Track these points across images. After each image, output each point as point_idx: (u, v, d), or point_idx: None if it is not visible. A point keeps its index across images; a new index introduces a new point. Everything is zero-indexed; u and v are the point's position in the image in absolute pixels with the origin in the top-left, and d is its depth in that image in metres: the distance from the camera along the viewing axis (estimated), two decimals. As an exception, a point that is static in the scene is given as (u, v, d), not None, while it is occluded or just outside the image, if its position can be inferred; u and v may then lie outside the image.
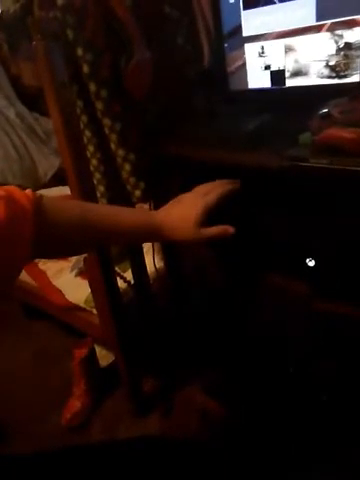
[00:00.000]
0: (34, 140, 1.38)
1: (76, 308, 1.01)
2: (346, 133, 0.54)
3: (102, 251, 0.80)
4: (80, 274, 1.07)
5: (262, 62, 0.72)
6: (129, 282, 0.94)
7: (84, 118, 0.75)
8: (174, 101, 0.79)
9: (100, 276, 0.82)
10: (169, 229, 0.54)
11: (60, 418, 1.05)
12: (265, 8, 0.67)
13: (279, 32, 0.67)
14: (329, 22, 0.62)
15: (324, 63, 0.65)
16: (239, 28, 0.71)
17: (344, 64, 0.64)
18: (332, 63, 0.65)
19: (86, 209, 0.52)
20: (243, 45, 0.72)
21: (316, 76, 0.67)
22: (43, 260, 1.13)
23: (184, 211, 0.54)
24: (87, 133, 0.77)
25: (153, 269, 0.98)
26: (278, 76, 0.71)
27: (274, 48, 0.69)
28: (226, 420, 0.92)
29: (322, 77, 0.67)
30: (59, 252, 0.53)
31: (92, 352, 1.10)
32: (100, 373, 1.13)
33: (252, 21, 0.69)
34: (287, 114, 0.67)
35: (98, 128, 0.75)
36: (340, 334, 0.76)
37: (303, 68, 0.68)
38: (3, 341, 1.35)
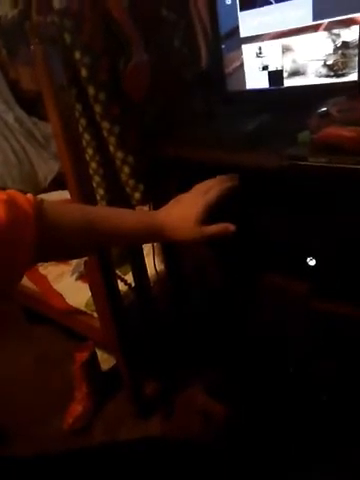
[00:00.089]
0: (33, 144, 1.38)
1: (77, 312, 1.00)
2: (345, 131, 0.54)
3: (102, 254, 0.80)
4: (80, 278, 1.06)
5: (260, 63, 0.72)
6: (130, 285, 0.94)
7: (83, 121, 0.75)
8: (172, 103, 0.79)
9: (100, 279, 0.82)
10: (170, 229, 0.54)
11: (61, 422, 1.05)
12: (262, 9, 0.67)
13: (276, 32, 0.67)
14: (326, 21, 0.62)
15: (322, 62, 0.66)
16: (236, 29, 0.71)
17: (342, 63, 0.64)
18: (330, 62, 0.65)
19: (86, 212, 0.52)
20: (240, 46, 0.73)
21: (314, 75, 0.67)
22: (44, 264, 1.13)
23: (185, 210, 0.54)
24: (86, 136, 0.77)
25: (154, 272, 0.98)
26: (276, 76, 0.71)
27: (271, 48, 0.69)
28: (228, 421, 0.91)
29: (320, 76, 0.67)
30: (61, 255, 0.53)
31: (93, 356, 1.10)
32: (101, 377, 1.12)
33: (249, 22, 0.70)
34: (285, 114, 0.67)
35: (97, 131, 0.75)
36: (340, 334, 0.76)
37: (301, 68, 0.68)
38: (4, 345, 1.35)
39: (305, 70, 0.68)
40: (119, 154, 0.76)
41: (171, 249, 0.99)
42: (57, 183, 1.34)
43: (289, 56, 0.68)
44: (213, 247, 0.87)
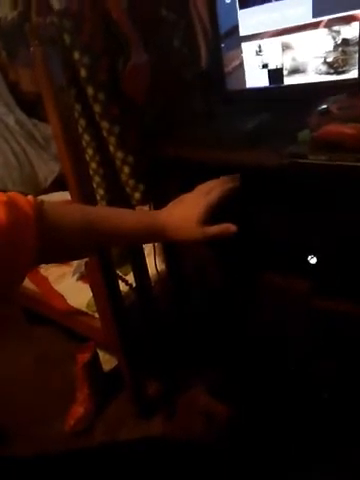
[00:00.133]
0: (34, 146, 1.38)
1: (78, 312, 1.00)
2: (346, 129, 0.54)
3: (103, 255, 0.80)
4: (81, 278, 1.06)
5: (259, 61, 0.72)
6: (131, 285, 0.94)
7: (82, 122, 0.75)
8: (172, 103, 0.79)
9: (101, 280, 0.81)
10: (172, 229, 0.54)
11: (62, 423, 1.04)
12: (261, 7, 0.67)
13: (276, 30, 0.67)
14: (326, 18, 0.62)
15: (322, 60, 0.65)
16: (236, 28, 0.71)
17: (342, 60, 0.63)
18: (330, 59, 0.65)
19: (87, 212, 0.53)
20: (240, 44, 0.72)
21: (314, 73, 0.67)
22: (45, 265, 1.13)
23: (187, 211, 0.54)
24: (86, 137, 0.77)
25: (154, 272, 0.97)
26: (276, 74, 0.71)
27: (271, 46, 0.69)
28: (230, 421, 0.91)
29: (320, 74, 0.66)
30: (61, 256, 0.53)
31: (95, 356, 1.10)
32: (103, 377, 1.12)
33: (249, 20, 0.69)
34: (286, 112, 0.67)
35: (97, 131, 0.75)
36: (341, 333, 0.76)
37: (301, 66, 0.68)
38: (5, 346, 1.35)
39: (305, 68, 0.68)
40: (119, 154, 0.75)
41: (172, 249, 0.99)
42: (57, 184, 1.34)
43: (289, 54, 0.68)
44: (213, 247, 0.87)
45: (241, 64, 0.74)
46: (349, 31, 0.61)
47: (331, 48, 0.64)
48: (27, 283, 1.10)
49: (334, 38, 0.63)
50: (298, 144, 0.59)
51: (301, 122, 0.60)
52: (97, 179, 0.81)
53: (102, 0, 0.68)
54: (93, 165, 0.79)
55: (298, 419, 0.83)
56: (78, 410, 1.05)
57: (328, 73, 0.65)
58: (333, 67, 0.65)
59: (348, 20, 0.60)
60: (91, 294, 0.90)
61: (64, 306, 1.02)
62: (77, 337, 1.11)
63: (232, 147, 0.66)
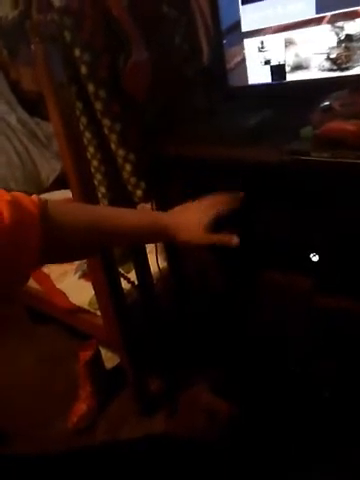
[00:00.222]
0: (36, 144, 1.38)
1: (80, 310, 1.00)
2: (348, 126, 0.53)
3: (105, 253, 0.80)
4: (84, 276, 1.06)
5: (262, 57, 0.71)
6: (133, 283, 0.94)
7: (83, 119, 0.75)
8: (173, 100, 0.78)
9: (104, 278, 0.82)
10: (176, 229, 0.56)
11: (65, 420, 1.05)
12: (264, 2, 0.66)
13: (279, 26, 0.66)
14: (329, 14, 0.61)
15: (325, 56, 0.65)
16: (238, 23, 0.70)
17: (345, 56, 0.63)
18: (333, 56, 0.64)
19: (90, 211, 0.53)
20: (242, 41, 0.72)
21: (317, 69, 0.66)
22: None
23: (193, 215, 0.57)
24: (87, 134, 0.77)
25: (156, 269, 0.97)
26: (278, 71, 0.70)
27: (274, 42, 0.68)
28: (232, 419, 0.91)
29: (323, 70, 0.66)
30: (65, 256, 0.53)
31: (97, 354, 1.10)
32: (105, 375, 1.12)
33: (251, 16, 0.69)
34: (288, 109, 0.66)
35: (98, 129, 0.75)
36: (342, 331, 0.75)
37: (304, 62, 0.67)
38: (8, 345, 1.35)
39: (308, 64, 0.67)
40: (120, 152, 0.75)
41: (173, 247, 0.99)
42: (59, 182, 1.34)
43: (292, 50, 0.67)
44: (214, 246, 0.87)
45: (243, 60, 0.74)
46: (353, 27, 0.60)
47: (334, 44, 0.63)
48: (29, 281, 1.10)
49: (337, 34, 0.62)
50: (300, 141, 0.59)
51: (303, 119, 0.59)
52: (98, 177, 0.81)
53: (103, -3, 0.68)
54: (94, 163, 0.79)
55: (299, 419, 0.83)
56: (81, 407, 1.06)
57: (331, 69, 0.65)
58: (336, 63, 0.64)
59: (352, 16, 0.59)
60: (93, 292, 0.90)
61: (66, 304, 1.02)
62: (79, 335, 1.12)
63: (234, 144, 0.66)
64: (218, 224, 0.56)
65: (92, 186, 0.76)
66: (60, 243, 0.46)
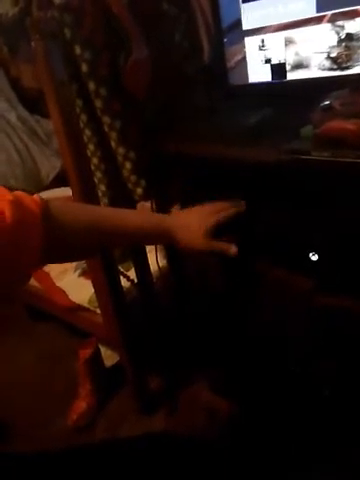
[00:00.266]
0: (36, 142, 1.38)
1: (80, 308, 1.01)
2: (349, 125, 0.53)
3: (105, 251, 0.80)
4: (83, 274, 1.07)
5: (262, 56, 0.71)
6: (132, 281, 0.94)
7: (84, 117, 0.75)
8: (173, 98, 0.78)
9: (103, 276, 0.82)
10: (178, 232, 0.57)
11: (65, 419, 1.05)
12: (264, 0, 0.66)
13: (279, 24, 0.66)
14: (330, 13, 0.61)
15: (325, 55, 0.65)
16: (238, 22, 0.70)
17: (346, 55, 0.63)
18: (333, 55, 0.64)
19: (91, 211, 0.54)
20: (243, 39, 0.72)
21: (317, 68, 0.66)
22: (47, 261, 1.13)
23: (196, 220, 0.57)
24: (87, 132, 0.77)
25: (156, 267, 0.97)
26: (279, 69, 0.70)
27: (274, 41, 0.68)
28: (231, 417, 0.91)
29: (323, 69, 0.66)
30: (67, 256, 0.54)
31: (97, 352, 1.10)
32: (105, 373, 1.12)
33: (251, 14, 0.69)
34: (288, 107, 0.66)
35: (98, 127, 0.75)
36: (342, 330, 0.75)
37: (304, 61, 0.67)
38: (7, 343, 1.36)
39: (308, 63, 0.67)
40: (120, 150, 0.75)
41: (173, 246, 0.99)
42: (59, 180, 1.34)
43: (292, 49, 0.67)
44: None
45: (244, 59, 0.74)
46: (353, 26, 0.60)
47: (335, 43, 0.63)
48: (29, 279, 1.11)
49: (338, 33, 0.62)
50: (301, 140, 0.59)
51: (304, 118, 0.59)
52: (99, 175, 0.81)
53: (103, -6, 0.68)
54: (94, 161, 0.79)
55: (298, 418, 0.83)
56: (80, 405, 1.06)
57: (331, 69, 0.65)
58: (337, 62, 0.64)
59: (352, 15, 0.59)
60: (93, 290, 0.90)
61: (66, 302, 1.02)
62: (79, 333, 1.12)
63: (234, 143, 0.66)
64: (219, 228, 0.57)
65: (92, 184, 0.76)
66: (62, 243, 0.47)
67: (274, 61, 0.70)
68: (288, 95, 0.69)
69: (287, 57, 0.69)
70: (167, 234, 0.57)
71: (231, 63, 0.76)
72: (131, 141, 0.75)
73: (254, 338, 0.90)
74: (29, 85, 1.25)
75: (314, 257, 0.72)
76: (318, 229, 0.69)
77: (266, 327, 0.88)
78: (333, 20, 0.61)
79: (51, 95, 0.66)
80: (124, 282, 0.91)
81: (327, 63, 0.65)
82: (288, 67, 0.69)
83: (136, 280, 0.94)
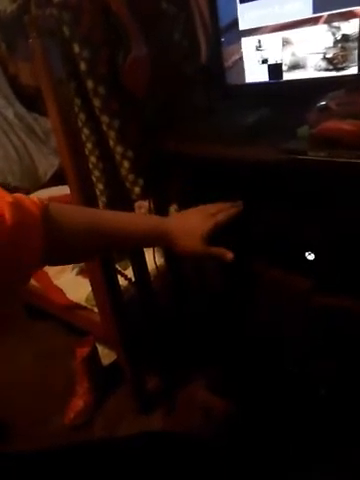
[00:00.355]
0: (33, 140, 1.38)
1: (77, 307, 1.01)
2: (345, 125, 0.54)
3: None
4: (81, 273, 1.07)
5: (259, 56, 0.72)
6: (130, 280, 0.94)
7: (82, 116, 0.75)
8: (172, 97, 0.79)
9: (101, 274, 0.82)
10: (176, 236, 0.57)
11: (62, 417, 1.05)
12: (261, 1, 0.66)
13: (276, 25, 0.67)
14: (326, 14, 0.62)
15: (321, 56, 0.65)
16: (236, 22, 0.71)
17: (341, 56, 0.63)
18: (329, 55, 0.64)
19: (91, 213, 0.54)
20: (240, 39, 0.72)
21: (313, 69, 0.67)
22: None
23: (194, 224, 0.58)
24: (85, 131, 0.77)
25: (153, 266, 0.98)
26: (275, 70, 0.71)
27: (271, 41, 0.69)
28: (229, 417, 0.92)
29: (320, 70, 0.66)
30: (66, 258, 0.54)
31: (94, 350, 1.10)
32: (102, 371, 1.13)
33: (248, 14, 0.69)
34: (285, 107, 0.67)
35: (96, 125, 0.75)
36: (340, 330, 0.76)
37: (300, 61, 0.68)
38: (6, 343, 1.35)
39: (305, 63, 0.67)
40: (119, 148, 0.75)
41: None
42: (57, 178, 1.34)
43: (289, 49, 0.68)
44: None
45: (241, 59, 0.74)
46: (349, 27, 0.61)
47: (331, 44, 0.63)
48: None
49: (334, 34, 0.62)
50: (297, 140, 0.59)
51: (300, 118, 0.60)
52: (96, 173, 0.81)
53: (102, -8, 0.68)
54: (92, 159, 0.79)
55: (297, 418, 0.83)
56: (78, 403, 1.06)
57: (327, 69, 0.65)
58: (333, 63, 0.64)
59: (348, 16, 0.60)
60: (90, 288, 0.90)
61: (63, 300, 1.02)
62: (76, 331, 1.12)
63: (232, 142, 0.66)
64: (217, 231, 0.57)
65: (90, 183, 0.76)
66: (62, 244, 0.47)
67: (271, 61, 0.71)
68: (285, 95, 0.70)
69: (284, 57, 0.69)
70: (165, 237, 0.57)
71: (228, 63, 0.76)
72: (129, 140, 0.75)
73: (252, 338, 0.91)
74: (27, 83, 1.25)
75: (311, 257, 0.72)
76: (315, 229, 0.70)
77: (264, 327, 0.88)
78: (329, 21, 0.62)
79: (49, 93, 0.66)
80: (122, 281, 0.91)
81: (323, 64, 0.66)
82: (285, 67, 0.70)
83: (134, 279, 0.95)
